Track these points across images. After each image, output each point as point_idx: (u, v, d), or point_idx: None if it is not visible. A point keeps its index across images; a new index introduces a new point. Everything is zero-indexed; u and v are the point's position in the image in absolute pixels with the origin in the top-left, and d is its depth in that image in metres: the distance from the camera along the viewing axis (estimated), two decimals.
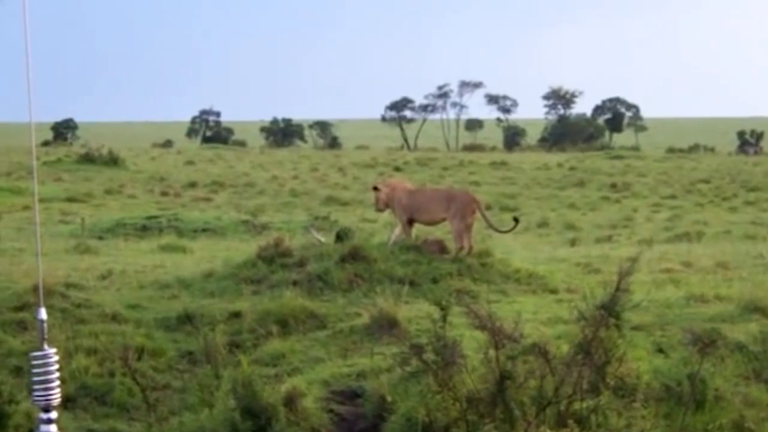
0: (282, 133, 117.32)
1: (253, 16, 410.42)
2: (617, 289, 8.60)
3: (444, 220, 14.71)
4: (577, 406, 7.99)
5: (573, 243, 22.96)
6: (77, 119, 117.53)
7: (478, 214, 14.58)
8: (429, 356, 8.19)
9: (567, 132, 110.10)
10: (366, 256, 13.48)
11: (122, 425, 9.39)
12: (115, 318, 11.80)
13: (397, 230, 14.85)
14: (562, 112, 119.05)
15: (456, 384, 8.11)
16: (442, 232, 16.09)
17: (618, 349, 8.48)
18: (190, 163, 54.38)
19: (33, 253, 16.06)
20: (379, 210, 15.57)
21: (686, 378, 8.81)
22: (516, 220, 15.61)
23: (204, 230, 23.79)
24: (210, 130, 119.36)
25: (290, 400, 8.76)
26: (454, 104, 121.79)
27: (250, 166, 53.81)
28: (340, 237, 14.57)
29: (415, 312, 11.44)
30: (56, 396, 4.83)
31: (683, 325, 10.82)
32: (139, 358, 10.50)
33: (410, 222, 14.85)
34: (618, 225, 28.91)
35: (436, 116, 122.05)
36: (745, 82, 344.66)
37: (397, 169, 50.97)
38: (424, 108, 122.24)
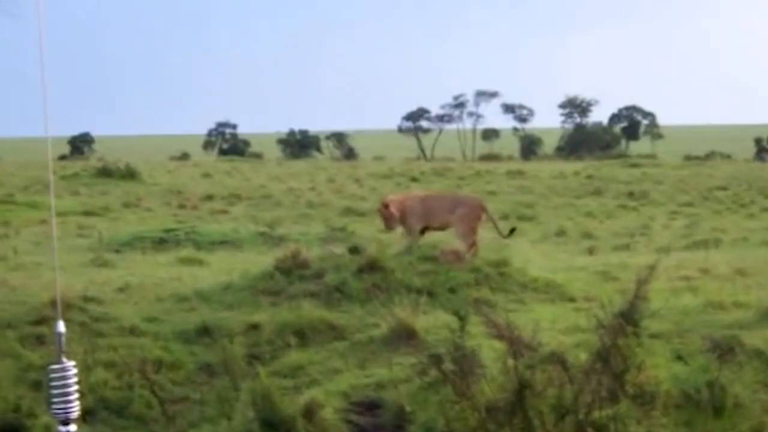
0: (298, 144, 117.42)
1: (269, 27, 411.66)
2: (635, 296, 8.57)
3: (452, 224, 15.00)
4: (596, 414, 7.97)
5: (591, 251, 22.87)
6: (94, 133, 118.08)
7: (485, 221, 14.83)
8: (447, 366, 8.19)
9: (583, 140, 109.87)
10: (383, 266, 13.50)
11: None
12: (133, 331, 11.83)
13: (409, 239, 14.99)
14: (578, 120, 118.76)
15: (475, 393, 8.10)
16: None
17: (636, 357, 8.45)
18: (206, 175, 54.35)
19: (51, 267, 16.11)
20: (390, 228, 15.67)
21: (705, 385, 8.78)
22: (512, 230, 16.03)
23: (221, 242, 23.76)
24: (226, 143, 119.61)
25: (309, 412, 8.77)
26: (471, 114, 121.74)
27: (266, 178, 53.77)
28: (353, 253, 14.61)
29: (433, 322, 11.43)
30: (75, 409, 4.83)
31: (702, 333, 10.79)
32: (157, 371, 10.53)
33: (423, 231, 15.12)
34: (635, 233, 28.76)
35: (453, 126, 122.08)
36: (762, 89, 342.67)
37: (414, 179, 50.89)
38: (441, 118, 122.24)
